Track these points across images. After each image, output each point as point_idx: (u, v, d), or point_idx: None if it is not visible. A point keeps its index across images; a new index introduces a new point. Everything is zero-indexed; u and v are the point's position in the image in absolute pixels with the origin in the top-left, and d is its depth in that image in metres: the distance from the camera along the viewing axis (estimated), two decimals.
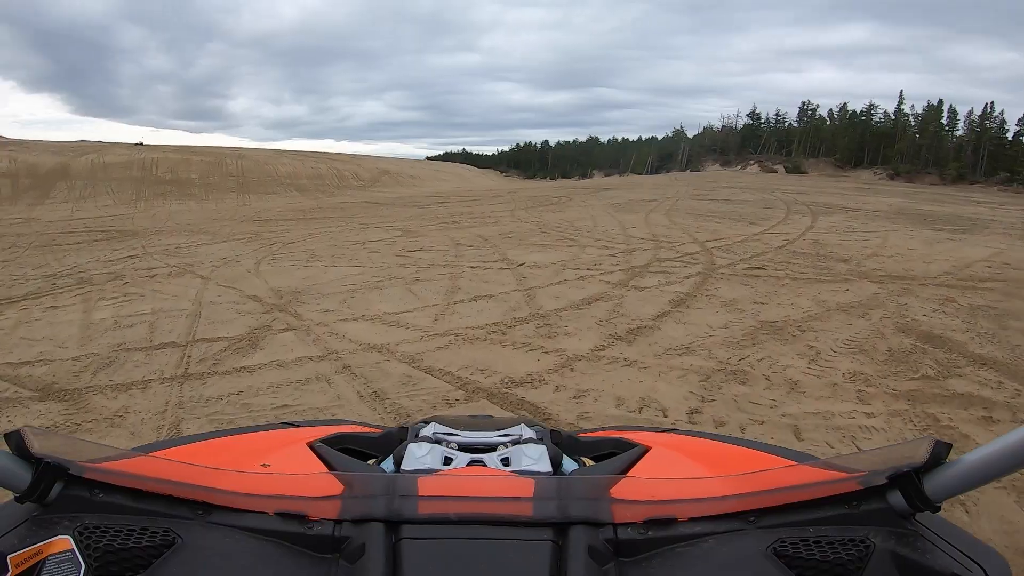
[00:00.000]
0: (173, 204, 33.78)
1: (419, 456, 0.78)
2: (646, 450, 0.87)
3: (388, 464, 0.83)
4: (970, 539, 0.63)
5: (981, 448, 0.59)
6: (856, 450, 3.93)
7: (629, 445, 0.90)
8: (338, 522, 0.63)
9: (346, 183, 48.41)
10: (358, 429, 1.03)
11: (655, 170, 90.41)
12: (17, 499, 0.62)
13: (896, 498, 0.62)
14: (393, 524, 0.61)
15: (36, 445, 0.61)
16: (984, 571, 0.58)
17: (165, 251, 14.11)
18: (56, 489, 0.62)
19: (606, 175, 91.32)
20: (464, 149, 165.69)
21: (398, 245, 13.80)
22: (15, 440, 0.61)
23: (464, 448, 0.83)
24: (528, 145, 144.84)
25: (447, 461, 0.78)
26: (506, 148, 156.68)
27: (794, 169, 71.93)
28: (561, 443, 0.91)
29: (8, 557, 0.56)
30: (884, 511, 0.62)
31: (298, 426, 1.08)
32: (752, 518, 0.65)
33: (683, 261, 11.25)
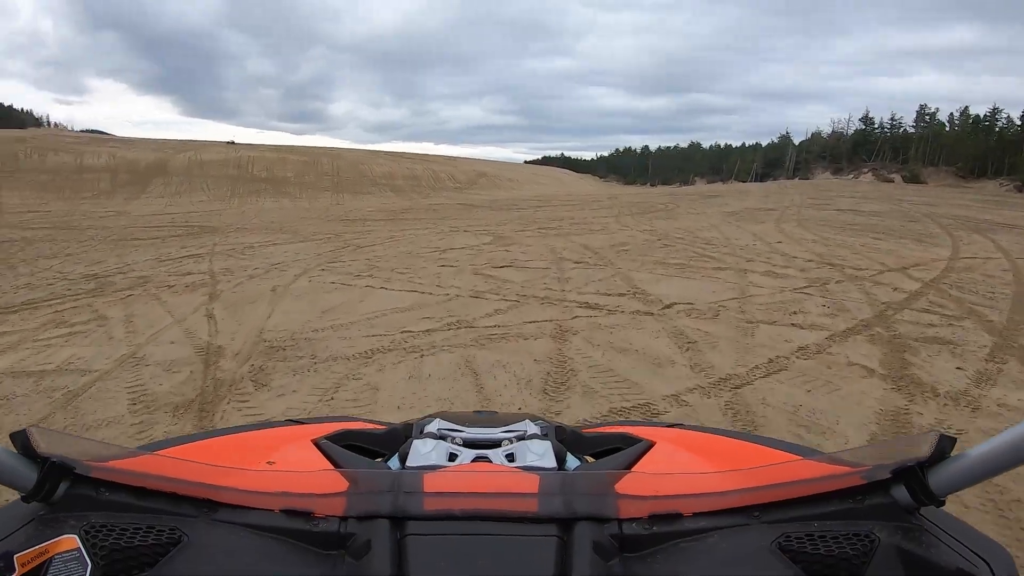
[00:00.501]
0: (267, 202, 33.63)
1: (424, 452, 0.78)
2: (650, 445, 0.87)
3: (393, 461, 0.82)
4: (975, 534, 0.62)
5: (986, 443, 0.57)
6: None
7: (633, 440, 0.90)
8: (344, 519, 0.62)
9: (442, 185, 47.49)
10: (363, 426, 1.02)
11: (760, 177, 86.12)
12: (23, 499, 0.61)
13: (900, 492, 0.61)
14: (398, 520, 0.61)
15: (42, 444, 0.61)
16: (989, 566, 0.57)
17: (229, 251, 13.02)
18: (62, 488, 0.62)
19: (708, 182, 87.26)
20: (563, 154, 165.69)
21: (483, 256, 11.49)
22: (21, 440, 0.60)
23: (469, 444, 0.82)
24: (628, 150, 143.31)
25: (452, 457, 0.78)
26: (605, 153, 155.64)
27: (912, 178, 64.89)
28: (565, 439, 0.91)
29: (15, 556, 0.56)
30: (888, 506, 0.62)
31: (303, 423, 1.07)
32: (756, 513, 0.64)
33: (942, 310, 6.97)
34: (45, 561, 0.56)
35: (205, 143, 52.19)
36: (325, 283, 9.04)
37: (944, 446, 0.59)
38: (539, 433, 0.87)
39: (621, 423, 1.17)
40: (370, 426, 1.02)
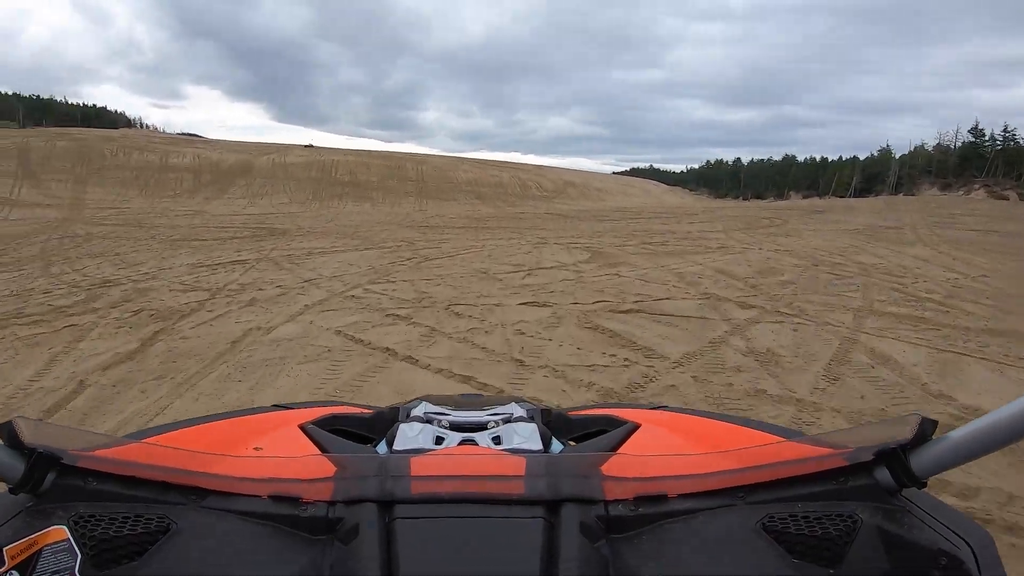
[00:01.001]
0: (348, 205, 33.13)
1: (411, 436, 0.79)
2: (636, 427, 0.87)
3: (381, 445, 0.83)
4: (955, 514, 0.64)
5: (967, 425, 0.58)
6: None
7: (619, 422, 0.91)
8: (331, 504, 0.63)
9: (528, 193, 45.90)
10: (350, 410, 1.03)
11: (859, 192, 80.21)
12: (11, 490, 0.61)
13: (883, 474, 0.62)
14: (386, 504, 0.61)
15: (28, 435, 0.61)
16: (969, 545, 0.58)
17: (278, 258, 11.49)
18: (49, 479, 0.61)
19: (804, 196, 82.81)
20: (652, 165, 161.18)
21: (586, 284, 8.61)
22: (7, 431, 0.60)
23: (455, 427, 0.83)
24: (719, 163, 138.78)
25: (439, 440, 0.79)
26: (695, 166, 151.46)
27: None
28: (551, 421, 0.93)
29: (4, 549, 0.56)
30: (871, 487, 0.63)
31: (290, 408, 1.08)
32: (741, 494, 0.65)
33: None
34: (35, 553, 0.56)
35: (288, 146, 52.64)
36: (327, 330, 6.03)
37: (926, 428, 0.60)
38: (525, 416, 0.87)
39: (607, 405, 1.19)
40: (357, 410, 1.02)
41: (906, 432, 0.61)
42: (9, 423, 0.60)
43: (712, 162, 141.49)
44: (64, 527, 0.58)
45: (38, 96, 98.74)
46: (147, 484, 0.63)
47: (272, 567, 0.58)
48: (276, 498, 0.63)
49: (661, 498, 0.64)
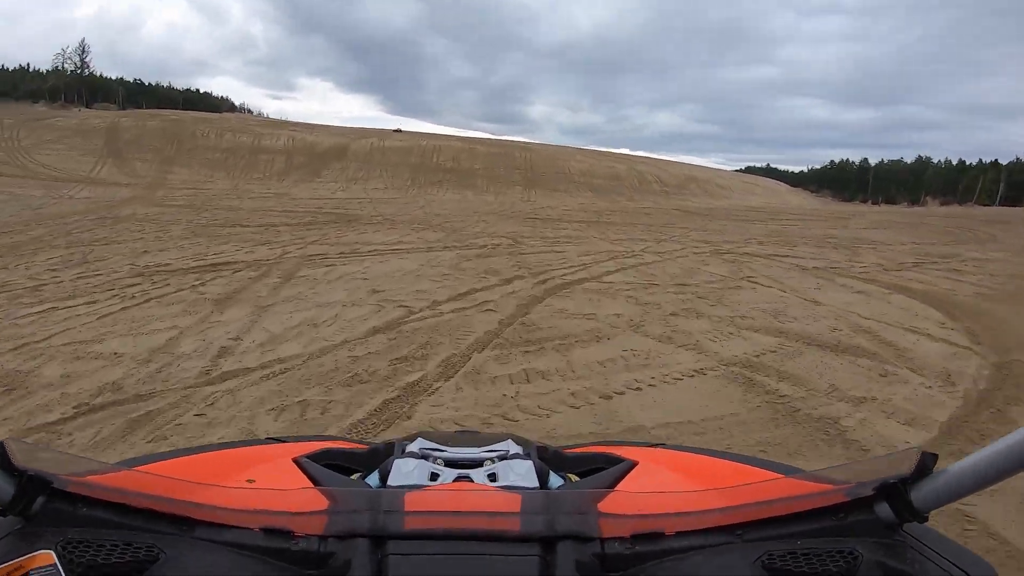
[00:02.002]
0: (447, 193, 30.72)
1: (405, 471, 0.77)
2: (633, 465, 0.87)
3: (374, 480, 0.81)
4: (958, 548, 0.63)
5: (967, 459, 0.58)
6: None
7: (616, 460, 0.90)
8: (323, 538, 0.61)
9: (648, 187, 41.52)
10: (344, 445, 1.02)
11: (1006, 201, 76.14)
12: (0, 512, 0.61)
13: (883, 509, 0.62)
14: (379, 540, 0.60)
15: (19, 457, 0.60)
16: None
17: (312, 257, 8.99)
18: (39, 503, 0.61)
19: (942, 203, 78.23)
20: (768, 164, 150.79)
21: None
22: None
23: (451, 464, 0.82)
24: (843, 163, 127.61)
25: (434, 477, 0.77)
26: (816, 166, 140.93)
27: None
28: (548, 458, 0.91)
29: None
30: (871, 522, 0.62)
31: (284, 441, 1.06)
32: (739, 532, 0.64)
33: None
34: None
35: (387, 131, 50.80)
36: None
37: (926, 462, 0.60)
38: (521, 453, 0.86)
39: (604, 443, 1.14)
40: (351, 445, 1.02)
41: (906, 466, 0.60)
42: (0, 444, 0.59)
43: (836, 162, 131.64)
44: (52, 551, 0.57)
45: (140, 80, 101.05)
46: (137, 512, 0.62)
47: None
48: (267, 531, 0.62)
49: (658, 536, 0.63)
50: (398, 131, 52.46)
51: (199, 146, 34.55)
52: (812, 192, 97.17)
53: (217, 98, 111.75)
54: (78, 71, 77.34)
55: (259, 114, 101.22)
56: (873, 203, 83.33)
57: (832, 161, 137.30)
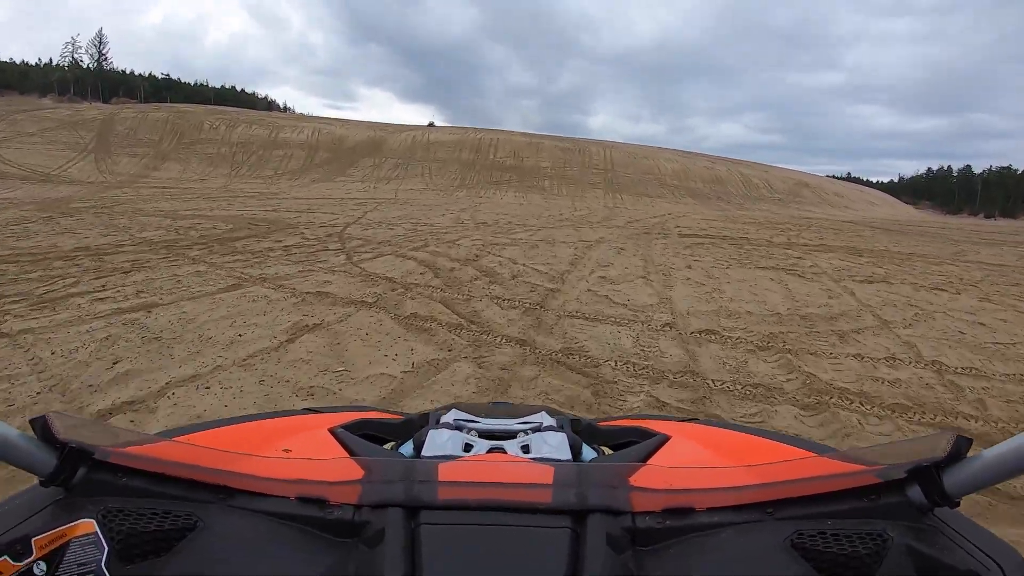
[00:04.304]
0: (507, 195, 25.33)
1: (439, 442, 0.78)
2: (666, 439, 0.86)
3: (408, 450, 0.81)
4: (988, 535, 0.61)
5: (1002, 444, 0.57)
6: None
7: (649, 434, 0.89)
8: (358, 507, 0.62)
9: (756, 192, 35.12)
10: (380, 415, 1.02)
11: None
12: (42, 483, 0.61)
13: (915, 492, 0.61)
14: (412, 509, 0.60)
15: (61, 430, 0.61)
16: (1001, 568, 0.56)
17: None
18: (80, 473, 0.62)
19: None
20: (850, 174, 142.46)
21: None
22: (40, 425, 0.61)
23: (484, 435, 0.82)
24: (941, 172, 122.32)
25: (467, 448, 0.78)
26: (905, 175, 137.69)
27: None
28: (581, 431, 0.91)
29: (32, 539, 0.57)
30: (902, 505, 0.61)
31: (320, 412, 1.08)
32: (770, 509, 0.63)
33: None
34: (62, 544, 0.57)
35: (435, 128, 45.76)
36: None
37: (960, 446, 0.58)
38: (554, 425, 0.86)
39: (637, 416, 1.13)
40: (387, 416, 1.02)
41: (940, 449, 0.59)
42: (42, 417, 0.60)
43: (932, 170, 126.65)
44: (93, 520, 0.58)
45: (168, 75, 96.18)
46: (176, 481, 0.64)
47: (297, 568, 0.58)
48: (303, 499, 0.63)
49: (689, 511, 0.63)
50: (430, 125, 48.37)
51: (203, 139, 30.25)
52: (910, 204, 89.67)
53: (252, 95, 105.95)
54: (94, 64, 74.27)
55: (291, 110, 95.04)
56: (988, 216, 78.74)
57: (929, 169, 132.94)
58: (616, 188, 28.92)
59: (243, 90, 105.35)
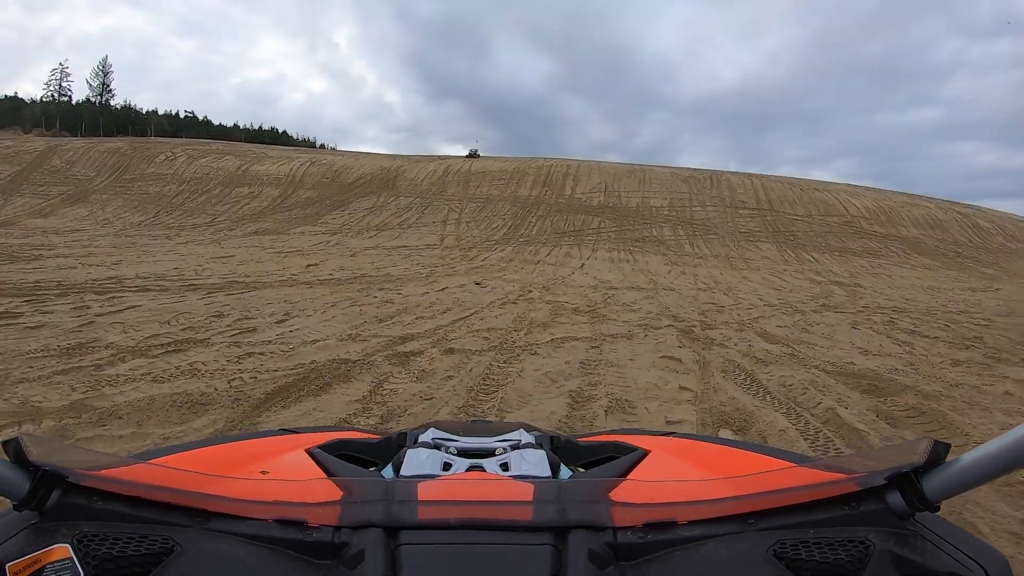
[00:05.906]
0: (598, 255, 17.73)
1: (418, 461, 0.79)
2: (645, 453, 0.88)
3: (387, 470, 0.84)
4: (969, 538, 0.64)
5: (979, 448, 0.59)
6: None
7: (628, 449, 0.92)
8: (337, 528, 0.63)
9: (992, 242, 26.80)
10: (357, 435, 1.04)
11: None
12: (15, 507, 0.62)
13: (895, 498, 0.63)
14: (392, 530, 0.62)
15: (34, 453, 0.62)
16: (984, 569, 0.59)
17: None
18: (54, 497, 0.62)
19: None
20: None
21: None
22: (13, 447, 0.61)
23: (463, 453, 0.84)
24: None
25: (446, 466, 0.79)
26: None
27: None
28: (560, 448, 0.94)
29: (7, 566, 0.57)
30: (883, 512, 0.63)
31: (297, 432, 1.09)
32: (751, 520, 0.65)
33: None
34: (37, 570, 0.57)
35: (478, 157, 38.34)
36: None
37: (939, 452, 0.61)
38: (533, 442, 0.88)
39: (615, 432, 1.17)
40: (364, 436, 1.02)
41: (918, 455, 0.60)
42: (15, 440, 0.60)
43: None
44: (68, 545, 0.58)
45: (191, 113, 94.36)
46: (152, 505, 0.63)
47: None
48: (281, 522, 0.62)
49: (670, 525, 0.64)
50: (474, 155, 40.96)
51: (148, 175, 23.91)
52: None
53: (292, 137, 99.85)
54: (97, 97, 69.61)
55: (329, 147, 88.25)
56: None
57: None
58: (791, 242, 19.66)
59: (284, 132, 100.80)
